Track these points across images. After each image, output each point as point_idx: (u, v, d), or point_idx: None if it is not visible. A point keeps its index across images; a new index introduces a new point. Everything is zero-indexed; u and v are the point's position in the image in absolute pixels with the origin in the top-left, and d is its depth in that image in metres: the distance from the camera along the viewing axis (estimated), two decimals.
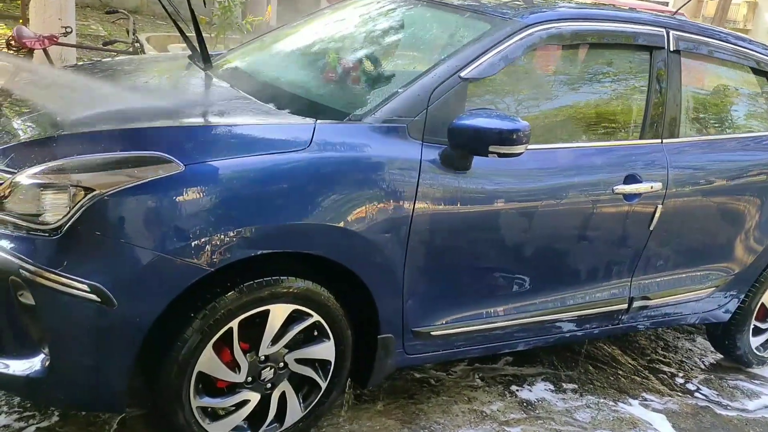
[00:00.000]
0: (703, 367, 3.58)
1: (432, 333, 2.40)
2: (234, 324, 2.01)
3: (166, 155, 1.87)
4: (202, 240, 1.85)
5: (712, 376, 3.48)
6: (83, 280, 1.78)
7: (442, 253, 2.28)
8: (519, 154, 2.15)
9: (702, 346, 3.80)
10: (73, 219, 1.79)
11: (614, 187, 2.57)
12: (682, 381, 3.37)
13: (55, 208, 1.82)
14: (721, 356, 3.71)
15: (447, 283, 2.36)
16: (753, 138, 3.10)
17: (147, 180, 1.82)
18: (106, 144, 1.93)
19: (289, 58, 2.97)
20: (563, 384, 3.06)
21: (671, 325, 3.49)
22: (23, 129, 2.17)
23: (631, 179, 2.61)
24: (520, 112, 2.47)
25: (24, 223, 1.83)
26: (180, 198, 1.84)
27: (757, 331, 3.51)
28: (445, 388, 2.84)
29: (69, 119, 2.08)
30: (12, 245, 1.83)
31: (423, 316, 2.36)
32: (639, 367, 3.40)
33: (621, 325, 2.95)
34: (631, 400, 3.05)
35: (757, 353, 3.57)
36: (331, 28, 3.09)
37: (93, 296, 1.79)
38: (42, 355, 1.88)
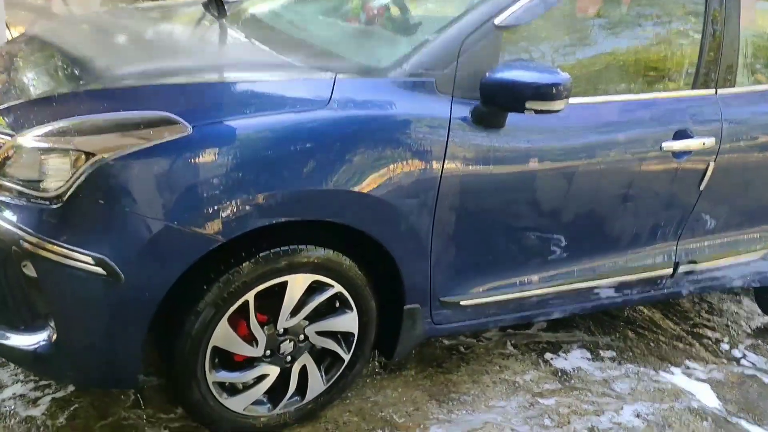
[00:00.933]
0: (749, 331, 3.38)
1: (461, 302, 2.25)
2: (250, 296, 1.88)
3: (172, 116, 1.71)
4: (214, 208, 1.71)
5: (760, 342, 3.29)
6: (87, 252, 1.66)
7: (472, 217, 2.11)
8: (558, 111, 1.95)
9: (749, 309, 3.60)
10: (74, 186, 1.66)
11: (662, 144, 2.34)
12: (727, 347, 3.19)
13: (57, 174, 1.69)
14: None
15: (477, 249, 2.20)
16: None
17: (152, 144, 1.68)
18: (109, 103, 1.78)
19: (309, 3, 2.76)
20: (601, 351, 2.90)
21: (717, 289, 3.29)
22: (33, 85, 2.04)
23: (681, 134, 2.38)
24: (558, 62, 2.24)
25: (25, 190, 1.71)
26: (188, 163, 1.69)
27: None
28: (475, 356, 2.71)
29: (75, 75, 1.94)
30: (13, 214, 1.71)
31: (452, 285, 2.21)
32: (682, 333, 3.22)
33: (664, 291, 2.76)
34: (673, 369, 2.89)
35: None
36: None
37: (98, 269, 1.67)
38: (48, 330, 1.78)
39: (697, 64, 2.47)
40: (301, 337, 2.04)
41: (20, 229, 1.68)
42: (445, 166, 1.98)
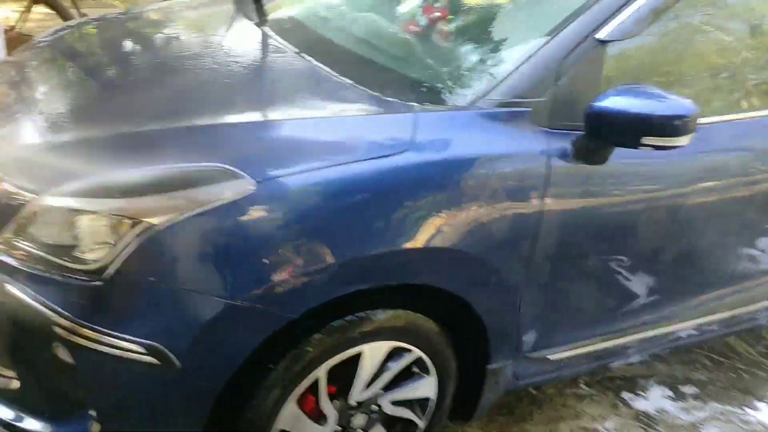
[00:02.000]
0: None
1: (549, 357, 1.98)
2: (321, 372, 1.60)
3: (233, 169, 1.41)
4: (286, 279, 1.42)
5: None
6: (137, 339, 1.37)
7: (568, 265, 1.83)
8: (682, 147, 1.64)
9: None
10: (121, 259, 1.36)
11: None
12: None
13: (94, 241, 1.40)
14: None
15: (572, 300, 1.92)
16: None
17: (212, 205, 1.38)
18: (150, 150, 1.48)
19: (356, 3, 2.42)
20: (681, 387, 2.64)
21: None
22: (54, 122, 1.69)
23: None
24: (668, 82, 1.92)
25: (56, 260, 1.41)
26: (254, 227, 1.40)
27: None
28: (547, 399, 2.44)
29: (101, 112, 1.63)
30: (45, 289, 1.42)
31: (541, 340, 1.93)
32: (758, 357, 2.96)
33: (756, 323, 2.49)
34: (757, 404, 2.63)
35: None
36: None
37: (150, 358, 1.39)
38: (89, 420, 1.50)
39: None
40: (373, 407, 1.77)
41: (55, 311, 1.39)
42: (544, 210, 1.68)
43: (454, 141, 1.61)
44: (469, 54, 1.87)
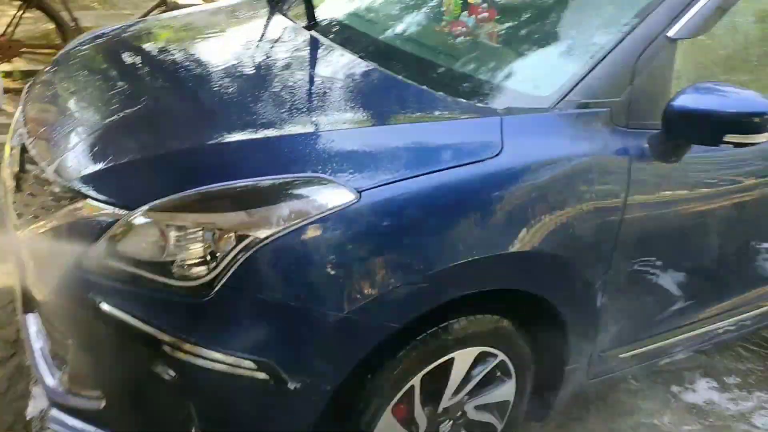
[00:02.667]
0: None
1: (621, 355, 1.99)
2: (416, 381, 1.59)
3: (333, 179, 1.39)
4: (390, 289, 1.39)
5: None
6: (249, 356, 1.34)
7: (645, 262, 1.83)
8: (760, 143, 1.66)
9: None
10: (227, 275, 1.33)
11: None
12: None
13: (197, 257, 1.36)
14: None
15: (643, 299, 1.93)
16: None
17: (315, 217, 1.35)
18: (242, 162, 1.44)
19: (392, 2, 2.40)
20: (724, 378, 2.68)
21: None
22: (133, 140, 1.62)
23: None
24: (737, 78, 1.94)
25: (156, 278, 1.37)
26: (357, 238, 1.37)
27: None
28: (601, 396, 2.45)
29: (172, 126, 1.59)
30: (143, 307, 1.37)
31: (615, 339, 1.93)
32: None
33: None
34: None
35: None
36: None
37: (261, 374, 1.35)
38: None
39: None
40: (459, 413, 1.76)
41: (160, 328, 1.35)
42: (626, 209, 1.69)
43: (541, 143, 1.61)
44: (541, 56, 1.87)
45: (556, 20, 1.99)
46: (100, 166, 1.52)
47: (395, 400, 1.57)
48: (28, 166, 1.74)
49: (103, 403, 1.54)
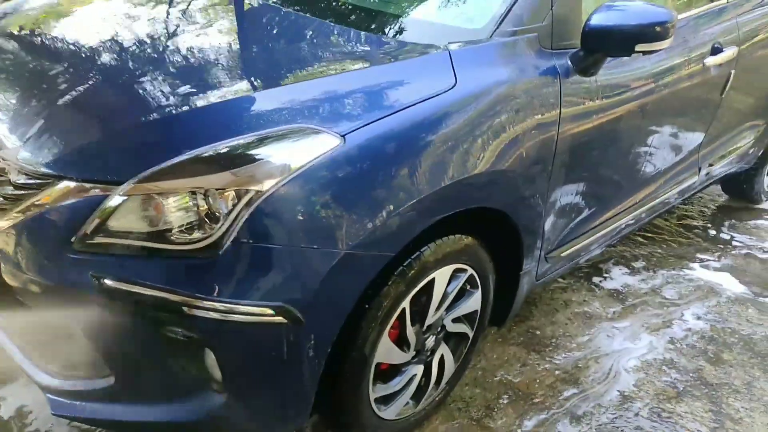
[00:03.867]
0: (722, 213, 3.71)
1: (564, 254, 2.25)
2: (406, 303, 1.73)
3: (317, 127, 1.47)
4: (381, 222, 1.51)
5: (734, 221, 3.63)
6: (266, 303, 1.42)
7: (578, 168, 2.07)
8: (664, 49, 1.91)
9: (709, 192, 3.93)
10: (234, 230, 1.39)
11: (704, 61, 2.41)
12: (714, 232, 3.49)
13: (199, 218, 1.40)
14: (727, 198, 3.87)
15: (578, 199, 2.17)
16: None
17: (308, 164, 1.43)
18: (229, 121, 1.48)
19: None
20: (632, 264, 3.06)
21: (718, 182, 3.47)
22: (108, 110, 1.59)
23: (716, 50, 2.45)
24: None
25: (160, 245, 1.40)
26: (348, 178, 1.47)
27: None
28: (537, 296, 2.74)
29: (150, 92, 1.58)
30: (152, 274, 1.41)
31: (556, 240, 2.18)
32: (675, 227, 3.47)
33: (690, 193, 2.94)
34: (692, 265, 3.12)
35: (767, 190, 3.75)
36: None
37: (279, 318, 1.44)
38: (214, 394, 1.53)
39: None
40: (438, 328, 1.93)
41: (175, 292, 1.39)
42: (560, 122, 1.90)
43: (485, 72, 1.76)
44: None
45: None
46: (73, 146, 1.50)
47: (390, 322, 1.71)
48: None
49: (112, 380, 1.56)
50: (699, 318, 2.68)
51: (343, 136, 1.47)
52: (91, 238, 1.43)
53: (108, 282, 1.42)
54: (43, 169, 1.48)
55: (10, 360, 1.73)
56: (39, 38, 1.94)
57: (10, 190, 1.56)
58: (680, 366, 2.38)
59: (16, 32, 1.99)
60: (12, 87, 1.70)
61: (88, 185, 1.44)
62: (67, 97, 1.62)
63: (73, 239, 1.43)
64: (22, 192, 1.52)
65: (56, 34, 1.95)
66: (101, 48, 1.82)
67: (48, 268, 1.49)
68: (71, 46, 1.84)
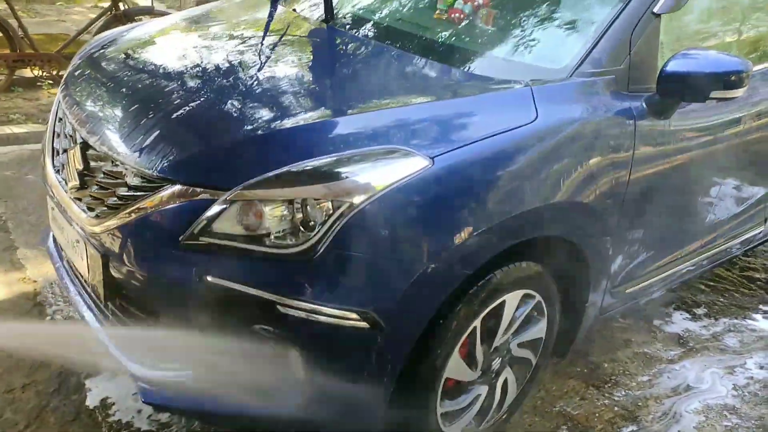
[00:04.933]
0: None
1: (628, 290, 2.30)
2: (477, 322, 1.82)
3: (409, 149, 1.59)
4: (463, 241, 1.61)
5: None
6: (353, 308, 1.53)
7: (645, 207, 2.13)
8: (738, 97, 1.98)
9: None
10: (329, 238, 1.51)
11: None
12: None
13: (299, 225, 1.54)
14: None
15: (644, 238, 2.23)
16: None
17: (398, 182, 1.55)
18: (328, 139, 1.62)
19: None
20: (694, 310, 3.06)
21: None
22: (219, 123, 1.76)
23: None
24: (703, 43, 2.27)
25: (260, 249, 1.54)
26: (435, 198, 1.59)
27: None
28: (598, 333, 2.77)
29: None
30: (251, 275, 1.54)
31: (622, 275, 2.23)
32: (738, 278, 3.45)
33: (754, 244, 2.94)
34: (754, 316, 3.10)
35: None
36: None
37: (362, 324, 1.55)
38: (296, 391, 1.64)
39: None
40: (505, 351, 2.00)
41: (263, 289, 1.52)
42: (633, 161, 1.98)
43: (565, 108, 1.86)
44: (550, 34, 2.12)
45: (552, 2, 2.25)
46: (185, 154, 1.66)
47: (462, 339, 1.79)
48: (94, 163, 1.84)
49: (190, 372, 1.68)
50: (762, 367, 2.67)
51: (432, 158, 1.58)
52: (197, 238, 1.57)
53: (209, 278, 1.55)
54: (158, 173, 1.64)
55: (96, 353, 1.87)
56: (152, 60, 2.15)
57: (124, 191, 1.72)
58: (742, 412, 2.38)
59: (130, 54, 2.20)
60: (130, 101, 1.88)
61: (198, 189, 1.59)
62: (180, 111, 1.79)
63: (181, 238, 1.58)
64: (137, 193, 1.69)
65: (166, 58, 2.15)
66: (211, 70, 2.00)
67: (155, 264, 1.64)
68: (182, 68, 2.03)
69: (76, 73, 2.18)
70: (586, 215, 1.91)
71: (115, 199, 1.74)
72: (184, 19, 2.58)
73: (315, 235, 1.52)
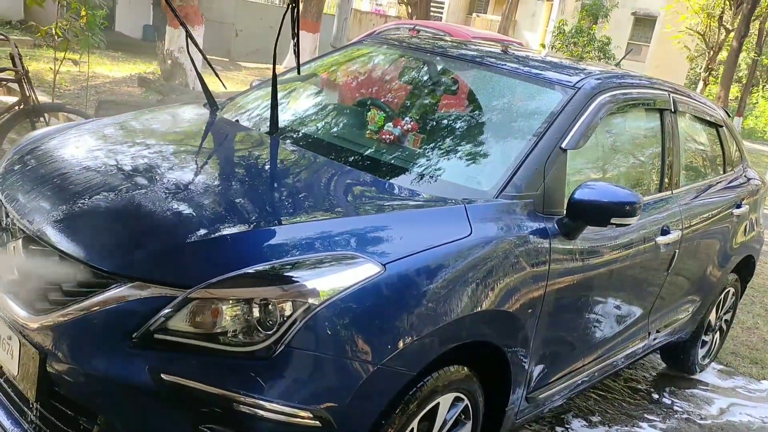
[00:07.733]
0: (661, 380, 4.04)
1: (539, 396, 2.47)
2: (415, 424, 1.90)
3: (363, 255, 1.72)
4: (408, 343, 1.73)
5: (674, 388, 3.95)
6: (305, 407, 1.58)
7: (559, 317, 2.36)
8: (632, 224, 2.30)
9: (648, 360, 4.27)
10: (288, 337, 1.58)
11: (656, 239, 2.83)
12: (657, 396, 3.78)
13: (257, 325, 1.60)
14: (664, 366, 4.22)
15: (556, 345, 2.44)
16: (718, 181, 3.59)
17: (354, 286, 1.66)
18: (287, 244, 1.73)
19: (328, 115, 2.82)
20: (590, 417, 3.28)
21: (662, 348, 3.81)
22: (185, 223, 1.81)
23: (665, 232, 2.89)
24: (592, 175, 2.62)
25: (217, 347, 1.58)
26: (386, 302, 1.71)
27: (703, 344, 4.06)
28: None
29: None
30: (205, 373, 1.56)
31: (537, 382, 2.41)
32: (622, 389, 3.75)
33: (637, 357, 3.25)
34: (641, 424, 3.37)
35: (701, 362, 4.12)
36: (357, 79, 3.00)
37: (315, 422, 1.59)
38: None
39: (661, 170, 3.03)
40: None
41: (222, 388, 1.54)
42: (549, 275, 2.21)
43: (493, 225, 2.08)
44: (477, 159, 2.38)
45: (476, 130, 2.54)
46: (144, 251, 1.69)
47: None
48: (34, 257, 1.81)
49: None
50: None
51: (384, 265, 1.72)
52: (151, 335, 1.58)
53: (164, 376, 1.56)
54: (112, 269, 1.65)
55: None
56: (100, 157, 2.18)
57: (70, 286, 1.71)
58: None
59: (74, 150, 2.23)
60: (79, 197, 1.89)
61: (156, 286, 1.62)
62: (137, 210, 1.83)
63: (135, 335, 1.59)
64: (86, 289, 1.68)
65: (114, 155, 2.20)
66: (165, 168, 2.08)
67: (102, 361, 1.62)
68: (131, 166, 2.09)
69: (16, 168, 2.16)
70: (510, 323, 2.09)
71: (58, 294, 1.72)
72: (123, 122, 2.64)
73: (273, 335, 1.58)
